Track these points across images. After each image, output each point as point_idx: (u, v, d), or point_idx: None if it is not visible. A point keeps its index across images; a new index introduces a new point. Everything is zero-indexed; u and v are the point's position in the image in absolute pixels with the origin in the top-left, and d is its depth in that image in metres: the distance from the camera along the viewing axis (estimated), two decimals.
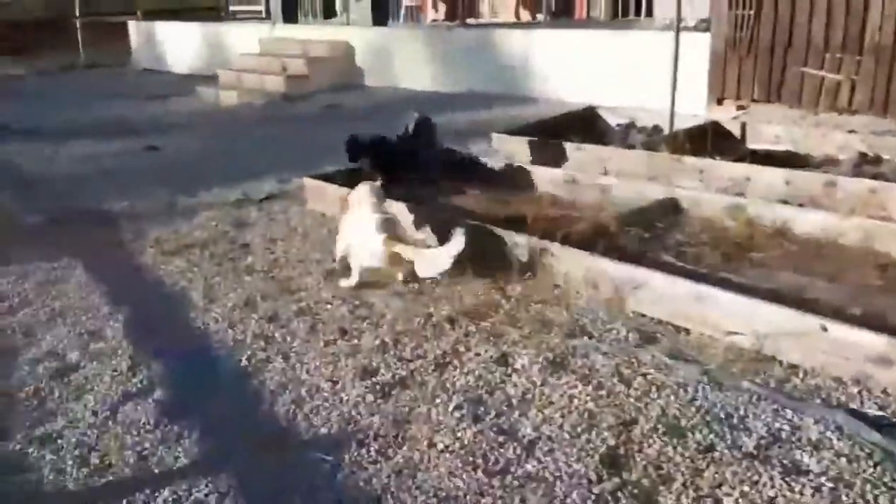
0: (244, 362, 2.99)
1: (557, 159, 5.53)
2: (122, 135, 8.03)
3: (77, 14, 16.81)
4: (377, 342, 3.06)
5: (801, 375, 2.66)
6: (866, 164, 4.96)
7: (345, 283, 3.63)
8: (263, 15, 15.50)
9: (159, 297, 3.71)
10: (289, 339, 3.16)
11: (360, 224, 3.61)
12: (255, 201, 5.23)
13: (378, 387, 2.74)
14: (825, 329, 2.64)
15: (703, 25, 7.81)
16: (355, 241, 3.61)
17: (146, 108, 10.34)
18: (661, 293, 3.09)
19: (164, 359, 3.04)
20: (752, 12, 6.88)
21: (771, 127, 6.00)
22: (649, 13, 10.80)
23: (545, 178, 5.01)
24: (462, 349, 2.97)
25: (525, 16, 12.74)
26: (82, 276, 3.98)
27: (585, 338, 3.00)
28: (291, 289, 3.68)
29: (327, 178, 5.02)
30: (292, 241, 4.38)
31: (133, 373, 2.93)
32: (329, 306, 3.45)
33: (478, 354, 2.92)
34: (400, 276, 3.56)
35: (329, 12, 13.64)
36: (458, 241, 3.24)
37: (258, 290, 3.67)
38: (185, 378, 2.92)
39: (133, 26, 16.11)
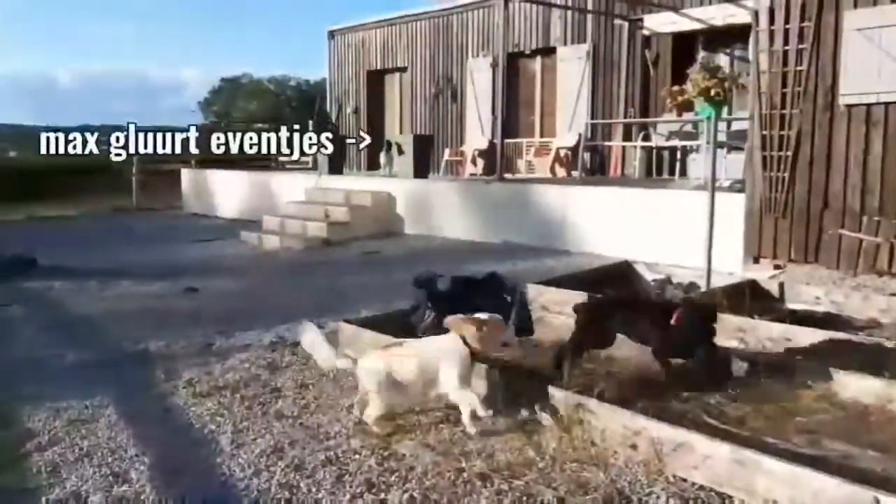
0: None
1: None
2: (164, 276, 8.25)
3: (134, 160, 17.76)
4: (405, 497, 2.95)
5: None
6: None
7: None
8: (311, 166, 16.25)
9: (187, 440, 3.66)
10: (314, 489, 3.07)
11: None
12: (289, 345, 5.24)
13: None
14: (878, 502, 2.49)
15: (738, 186, 7.97)
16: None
17: (190, 250, 10.67)
18: (703, 457, 2.96)
19: None
20: (786, 175, 7.02)
21: (810, 288, 5.95)
22: (683, 173, 11.09)
23: None
24: None
25: (560, 173, 13.15)
26: (113, 416, 3.96)
27: (624, 502, 2.86)
28: (320, 436, 3.61)
29: (363, 323, 5.04)
30: (324, 386, 4.34)
31: None
32: (357, 456, 3.37)
33: None
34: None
35: (373, 165, 14.21)
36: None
37: (286, 437, 3.61)
38: None
39: (186, 173, 16.95)
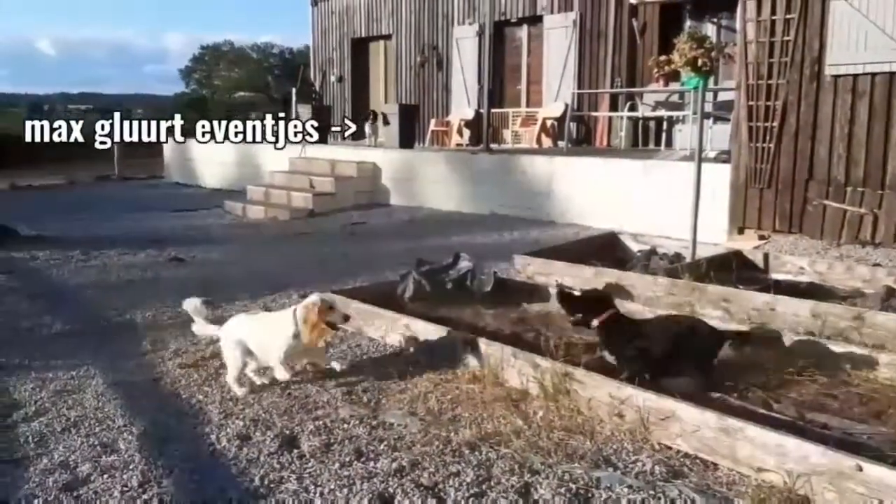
0: (256, 482, 2.90)
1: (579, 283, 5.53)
2: (149, 246, 8.19)
3: None
4: (394, 465, 2.97)
5: None
6: (894, 299, 4.90)
7: (280, 375, 3.82)
8: None
9: (175, 410, 3.66)
10: (303, 458, 3.08)
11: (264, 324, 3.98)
12: None
13: None
14: (860, 469, 2.53)
15: (724, 157, 7.98)
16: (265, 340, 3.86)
17: (175, 220, 10.59)
18: (689, 425, 2.99)
19: (175, 475, 2.96)
20: (771, 145, 7.04)
21: (794, 258, 6.00)
22: (669, 144, 11.09)
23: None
24: (482, 477, 2.87)
25: (547, 143, 13.12)
26: (100, 386, 3.95)
27: (610, 469, 2.90)
28: (308, 406, 3.63)
29: (351, 293, 5.04)
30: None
31: (143, 489, 2.85)
32: (346, 426, 3.38)
33: (498, 483, 2.82)
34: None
35: (358, 134, 14.10)
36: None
37: (275, 407, 3.62)
38: (196, 496, 2.82)
39: (168, 142, 16.71)
